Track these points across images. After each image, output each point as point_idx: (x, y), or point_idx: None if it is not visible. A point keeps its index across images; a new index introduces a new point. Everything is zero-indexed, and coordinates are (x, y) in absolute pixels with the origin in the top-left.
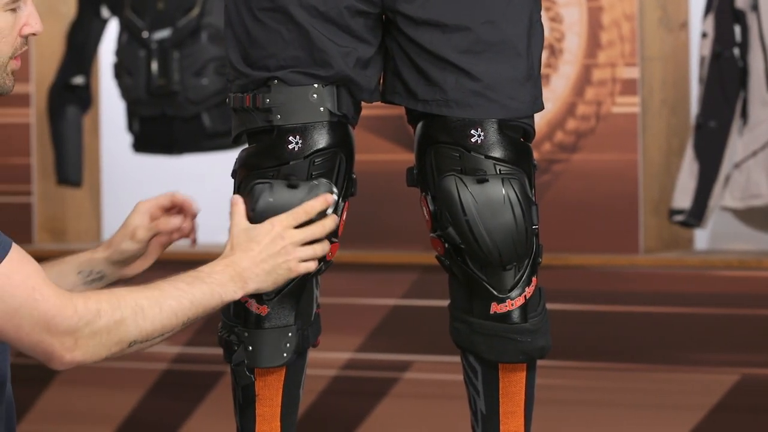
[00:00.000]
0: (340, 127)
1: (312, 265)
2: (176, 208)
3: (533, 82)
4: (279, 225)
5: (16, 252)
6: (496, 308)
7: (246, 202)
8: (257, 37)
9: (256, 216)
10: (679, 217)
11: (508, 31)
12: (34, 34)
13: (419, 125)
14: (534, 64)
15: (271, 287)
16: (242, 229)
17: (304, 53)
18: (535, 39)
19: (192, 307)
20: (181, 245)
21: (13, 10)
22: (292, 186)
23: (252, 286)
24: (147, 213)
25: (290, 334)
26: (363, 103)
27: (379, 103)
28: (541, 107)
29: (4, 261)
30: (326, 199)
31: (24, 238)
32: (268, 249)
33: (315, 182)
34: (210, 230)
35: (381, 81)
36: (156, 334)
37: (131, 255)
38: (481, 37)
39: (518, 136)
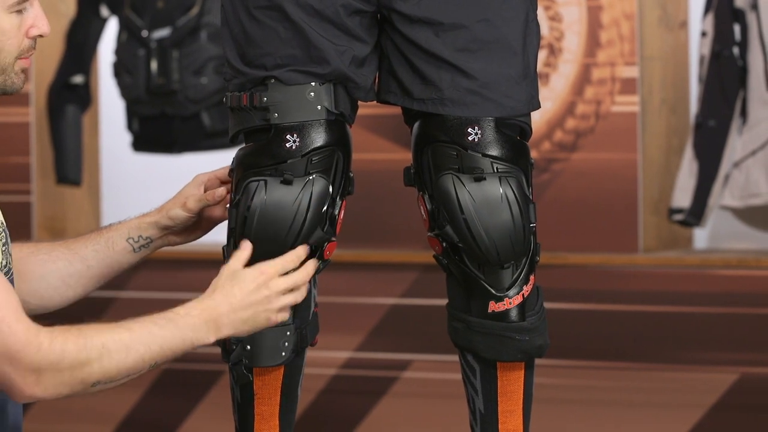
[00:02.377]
0: (338, 125)
1: (287, 315)
2: None
3: (529, 80)
4: (268, 273)
5: None
6: (494, 307)
7: (241, 200)
8: (254, 36)
9: (250, 213)
10: (679, 216)
11: (504, 29)
12: (41, 36)
13: (416, 124)
14: (530, 63)
15: (246, 334)
16: (231, 270)
17: (301, 51)
18: (530, 37)
19: (161, 352)
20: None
21: (19, 11)
22: (286, 182)
23: (226, 332)
24: (201, 185)
25: (288, 334)
26: (360, 102)
27: (377, 102)
28: (537, 106)
29: None
30: (304, 248)
31: (23, 238)
32: (250, 297)
33: (310, 178)
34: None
35: (376, 80)
36: (121, 376)
37: (180, 223)
38: (477, 35)
39: (515, 135)
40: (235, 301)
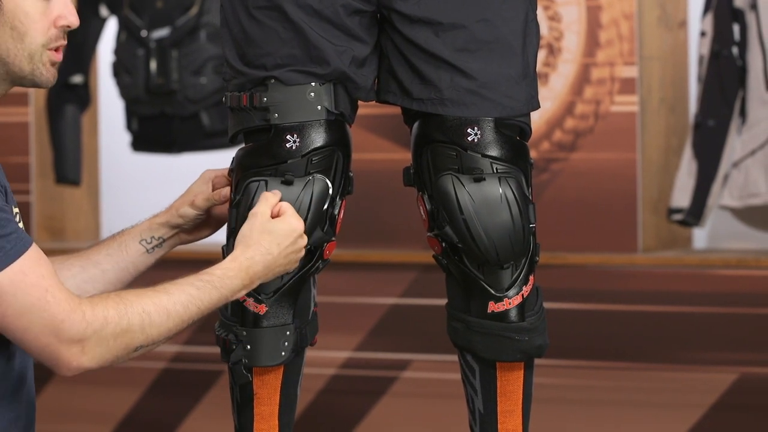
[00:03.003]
0: (338, 125)
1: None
2: None
3: (529, 80)
4: (299, 229)
5: (34, 251)
6: (493, 307)
7: (242, 201)
8: (253, 36)
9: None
10: (678, 216)
11: (504, 29)
12: (68, 27)
13: (415, 124)
14: (529, 63)
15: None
16: (262, 224)
17: (301, 51)
18: (530, 37)
19: (198, 312)
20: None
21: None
22: (287, 182)
23: (255, 285)
24: (209, 181)
25: (288, 333)
26: (360, 102)
27: (376, 101)
28: (537, 106)
29: (22, 257)
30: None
31: None
32: (287, 250)
33: (310, 178)
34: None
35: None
36: (162, 338)
37: (190, 221)
38: (476, 35)
39: (515, 135)
40: (271, 258)
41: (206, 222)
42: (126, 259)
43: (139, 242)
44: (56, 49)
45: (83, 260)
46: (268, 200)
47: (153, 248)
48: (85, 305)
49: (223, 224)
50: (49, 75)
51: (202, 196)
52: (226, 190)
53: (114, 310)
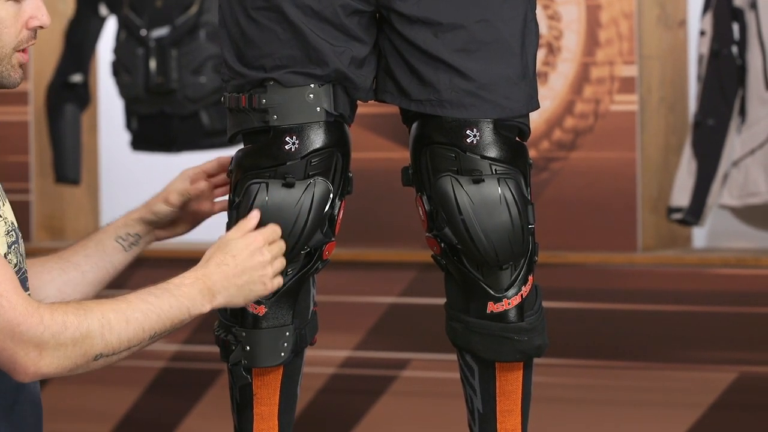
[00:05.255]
0: (337, 126)
1: (281, 281)
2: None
3: (528, 81)
4: (258, 241)
5: None
6: (492, 307)
7: (242, 202)
8: (252, 37)
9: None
10: (677, 215)
11: (503, 30)
12: (41, 27)
13: (414, 125)
14: (528, 63)
15: (241, 303)
16: (223, 240)
17: (300, 52)
18: (529, 37)
19: (159, 321)
20: (182, 241)
21: (17, 0)
22: (288, 185)
23: (221, 301)
24: (188, 179)
25: (288, 334)
26: (359, 102)
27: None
28: (536, 106)
29: None
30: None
31: (22, 237)
32: (243, 263)
33: (311, 181)
34: (209, 228)
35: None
36: (122, 348)
37: (163, 217)
38: (476, 35)
39: (513, 136)
40: (227, 269)
41: (182, 218)
42: (105, 259)
43: (116, 240)
44: (24, 50)
45: (62, 262)
46: (242, 227)
47: (130, 246)
48: (44, 310)
49: (201, 221)
50: (16, 76)
51: (175, 193)
52: (203, 184)
53: (74, 315)
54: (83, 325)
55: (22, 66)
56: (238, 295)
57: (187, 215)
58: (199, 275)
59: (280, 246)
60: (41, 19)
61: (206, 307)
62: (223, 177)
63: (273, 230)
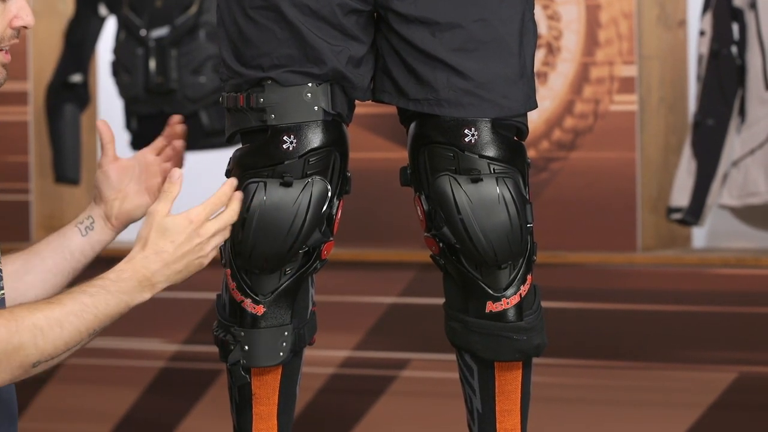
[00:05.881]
0: (335, 125)
1: (214, 254)
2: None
3: (526, 80)
4: (197, 220)
5: None
6: (491, 307)
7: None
8: (250, 36)
9: (249, 215)
10: (677, 215)
11: (501, 29)
12: (25, 27)
13: (412, 125)
14: (527, 63)
15: (180, 282)
16: (158, 223)
17: (297, 51)
18: (527, 37)
19: (96, 320)
20: None
21: (2, 0)
22: (286, 184)
23: (160, 287)
24: (137, 157)
25: (286, 334)
26: (357, 101)
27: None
28: (534, 106)
29: None
30: (231, 183)
31: (22, 236)
32: (182, 247)
33: (309, 180)
34: None
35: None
36: (60, 351)
37: (104, 187)
38: (473, 35)
39: (512, 135)
40: (167, 255)
41: (136, 195)
42: (63, 244)
43: (75, 226)
44: (6, 50)
45: (26, 254)
46: (168, 195)
47: (86, 229)
48: None
49: (154, 195)
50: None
51: (104, 161)
52: (149, 157)
53: (4, 329)
54: (14, 338)
55: (6, 66)
56: (178, 279)
57: (140, 192)
58: (138, 267)
59: (224, 219)
60: (25, 19)
61: (146, 296)
62: (170, 149)
63: (217, 202)
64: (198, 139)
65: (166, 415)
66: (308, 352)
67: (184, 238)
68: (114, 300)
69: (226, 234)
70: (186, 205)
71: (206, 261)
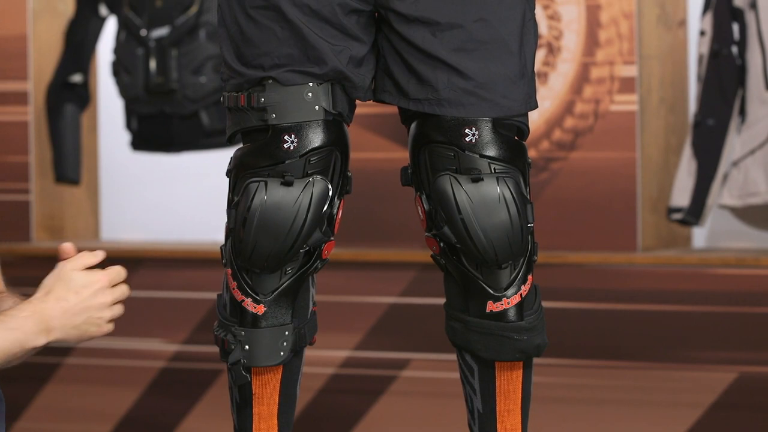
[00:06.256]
0: (335, 125)
1: (112, 327)
2: None
3: (526, 80)
4: (102, 281)
5: None
6: (492, 307)
7: (241, 201)
8: (251, 36)
9: (250, 214)
10: (677, 215)
11: (501, 29)
12: None
13: (413, 125)
14: (527, 63)
15: (74, 341)
16: (66, 272)
17: (298, 51)
18: (527, 37)
19: None
20: (181, 242)
21: None
22: (287, 183)
23: (56, 336)
24: None
25: (287, 333)
26: (358, 101)
27: (373, 101)
28: (534, 105)
29: None
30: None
31: (22, 237)
32: (85, 302)
33: (310, 179)
34: (209, 228)
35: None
36: None
37: None
38: (474, 35)
39: (512, 135)
40: (68, 305)
41: None
42: None
43: None
44: None
45: None
46: (83, 261)
47: None
48: None
49: None
50: None
51: None
52: None
53: None
54: None
55: None
56: (74, 334)
57: None
58: (38, 309)
59: (122, 290)
60: None
61: (41, 341)
62: None
63: (118, 272)
64: (198, 139)
65: (166, 415)
66: (308, 352)
67: (88, 293)
68: (10, 336)
69: (122, 310)
70: (187, 205)
71: (105, 329)
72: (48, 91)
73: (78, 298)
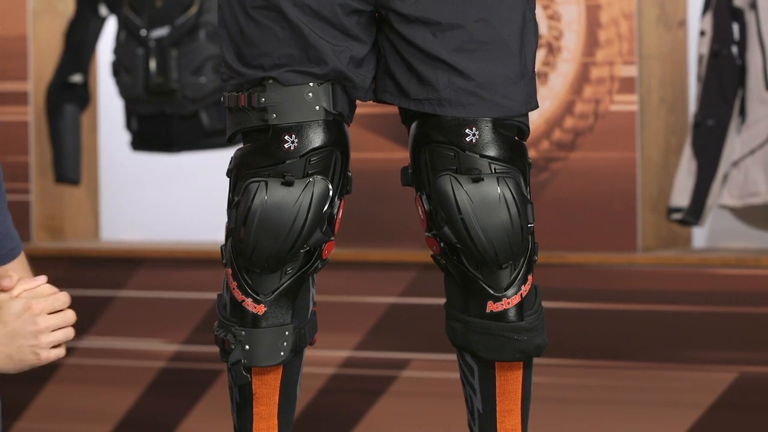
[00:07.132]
0: (336, 125)
1: (62, 352)
2: None
3: (527, 80)
4: (34, 309)
5: None
6: (492, 307)
7: (241, 201)
8: (251, 36)
9: (250, 214)
10: (677, 216)
11: (501, 29)
12: None
13: (413, 125)
14: (527, 63)
15: (13, 371)
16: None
17: (299, 51)
18: (528, 37)
19: None
20: (181, 243)
21: None
22: (287, 183)
23: None
24: None
25: (287, 333)
26: (358, 101)
27: (373, 101)
28: (535, 106)
29: None
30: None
31: (22, 237)
32: (14, 331)
33: (311, 179)
34: (209, 228)
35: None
36: None
37: None
38: (474, 35)
39: (513, 135)
40: None
41: None
42: None
43: None
44: None
45: None
46: (20, 286)
47: None
48: None
49: None
50: None
51: None
52: None
53: None
54: None
55: None
56: (9, 363)
57: None
58: None
59: (64, 317)
60: None
61: None
62: None
63: (57, 299)
64: (198, 139)
65: (166, 415)
66: (308, 352)
67: (19, 322)
68: None
69: (69, 334)
70: (187, 205)
71: (44, 354)
72: (48, 91)
73: (6, 329)
